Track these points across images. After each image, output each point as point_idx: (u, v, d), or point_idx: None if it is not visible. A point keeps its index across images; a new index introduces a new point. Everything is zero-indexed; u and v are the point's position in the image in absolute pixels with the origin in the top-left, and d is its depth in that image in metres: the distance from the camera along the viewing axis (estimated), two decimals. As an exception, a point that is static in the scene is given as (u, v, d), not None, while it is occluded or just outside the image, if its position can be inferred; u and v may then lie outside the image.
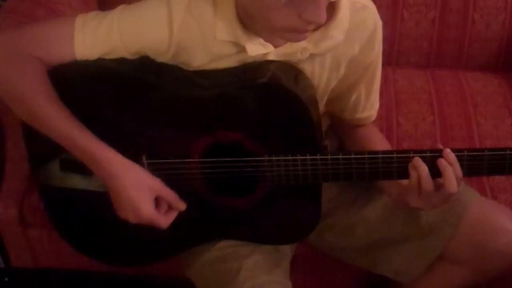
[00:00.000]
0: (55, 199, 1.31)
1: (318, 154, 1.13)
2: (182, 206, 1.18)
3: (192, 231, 1.26)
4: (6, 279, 1.78)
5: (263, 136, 1.14)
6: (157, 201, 1.16)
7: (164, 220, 1.16)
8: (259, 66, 1.16)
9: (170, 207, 1.17)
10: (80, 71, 1.14)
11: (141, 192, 1.12)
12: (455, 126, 1.65)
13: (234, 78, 1.15)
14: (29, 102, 1.11)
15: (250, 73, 1.16)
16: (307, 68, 1.19)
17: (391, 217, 1.31)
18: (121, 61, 1.15)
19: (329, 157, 1.13)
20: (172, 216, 1.17)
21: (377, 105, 1.34)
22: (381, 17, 1.22)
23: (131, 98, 1.16)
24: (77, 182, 1.24)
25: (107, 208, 1.20)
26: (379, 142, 1.32)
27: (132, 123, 1.15)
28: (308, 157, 1.13)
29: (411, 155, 1.11)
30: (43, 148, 1.24)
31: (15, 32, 1.16)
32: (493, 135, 1.61)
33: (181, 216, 1.19)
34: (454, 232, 1.25)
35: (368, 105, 1.31)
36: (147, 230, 1.23)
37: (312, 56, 1.17)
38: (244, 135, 1.14)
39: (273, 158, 1.14)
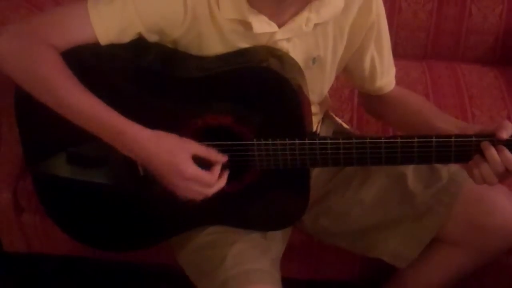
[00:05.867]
0: (53, 190, 1.30)
1: (307, 139, 1.14)
2: (222, 158, 1.15)
3: (181, 215, 1.26)
4: (-2, 264, 1.78)
5: (252, 120, 1.15)
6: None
7: (210, 177, 1.13)
8: (248, 51, 1.16)
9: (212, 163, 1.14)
10: (73, 57, 1.13)
11: (175, 154, 1.11)
12: (451, 117, 1.65)
13: (225, 62, 1.15)
14: (54, 89, 1.10)
15: (241, 57, 1.16)
16: (311, 41, 1.19)
17: (386, 199, 1.32)
18: (116, 45, 1.14)
19: (317, 141, 1.14)
20: (217, 171, 1.14)
21: (393, 70, 1.34)
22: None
23: (123, 81, 1.16)
24: (82, 174, 1.24)
25: (106, 197, 1.22)
26: (415, 102, 1.32)
27: (124, 106, 1.13)
28: (296, 141, 1.14)
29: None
30: (44, 143, 1.24)
31: (28, 22, 1.15)
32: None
33: (170, 200, 1.19)
34: (449, 213, 1.26)
35: (385, 70, 1.31)
36: (142, 214, 1.25)
37: (315, 27, 1.17)
38: (233, 119, 1.14)
39: (262, 142, 1.15)
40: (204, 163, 1.13)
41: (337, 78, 1.69)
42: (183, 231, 1.29)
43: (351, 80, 1.37)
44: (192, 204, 1.18)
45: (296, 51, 1.19)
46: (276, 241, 1.32)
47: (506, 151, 1.08)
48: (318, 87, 1.28)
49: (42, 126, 1.21)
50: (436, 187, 1.27)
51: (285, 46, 1.17)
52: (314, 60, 1.22)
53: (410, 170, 1.30)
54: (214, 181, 1.14)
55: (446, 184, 1.27)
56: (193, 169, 1.11)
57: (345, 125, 1.49)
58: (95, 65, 1.15)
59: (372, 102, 1.39)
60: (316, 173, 1.33)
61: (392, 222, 1.31)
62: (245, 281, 1.17)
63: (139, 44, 1.16)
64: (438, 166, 1.30)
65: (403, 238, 1.31)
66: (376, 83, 1.32)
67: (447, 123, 1.22)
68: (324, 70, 1.25)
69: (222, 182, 1.15)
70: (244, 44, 1.16)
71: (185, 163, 1.11)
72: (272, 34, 1.15)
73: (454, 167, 1.29)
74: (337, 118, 1.49)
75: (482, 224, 1.23)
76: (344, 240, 1.39)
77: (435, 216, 1.27)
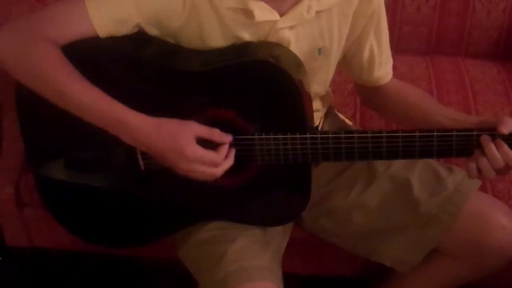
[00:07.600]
0: (54, 188, 1.30)
1: (308, 133, 1.13)
2: (226, 138, 1.14)
3: (183, 210, 1.26)
4: (1, 258, 1.77)
5: (254, 114, 1.15)
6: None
7: (215, 156, 1.12)
8: (249, 45, 1.17)
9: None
10: (74, 51, 1.13)
11: (177, 136, 1.10)
12: (455, 114, 1.64)
13: (227, 56, 1.15)
14: (55, 81, 1.10)
15: (242, 51, 1.16)
16: (316, 30, 1.19)
17: (390, 205, 1.31)
18: (117, 38, 1.14)
19: (318, 136, 1.14)
20: (224, 150, 1.13)
21: (391, 61, 1.33)
22: (382, 3, 1.23)
23: (124, 75, 1.16)
24: (84, 171, 1.24)
25: (108, 194, 1.23)
26: (413, 95, 1.33)
27: (126, 100, 1.13)
28: (297, 135, 1.14)
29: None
30: (45, 140, 1.24)
31: (27, 18, 1.16)
32: (492, 124, 1.61)
33: (172, 196, 1.19)
34: (453, 222, 1.25)
35: (383, 60, 1.31)
36: (143, 210, 1.25)
37: (319, 15, 1.17)
38: (235, 113, 1.14)
39: (263, 136, 1.14)
40: (210, 145, 1.12)
41: (340, 72, 1.70)
42: (184, 227, 1.29)
43: (349, 70, 1.36)
44: (193, 199, 1.17)
45: (299, 40, 1.19)
46: (278, 237, 1.32)
47: (505, 146, 1.08)
48: (323, 77, 1.28)
49: (43, 124, 1.21)
50: (442, 196, 1.26)
51: (287, 34, 1.17)
52: (319, 50, 1.22)
53: (415, 178, 1.30)
54: (220, 160, 1.12)
55: (451, 194, 1.26)
56: (195, 150, 1.10)
57: (347, 121, 1.48)
58: (96, 59, 1.15)
59: (368, 94, 1.39)
60: (317, 172, 1.32)
61: (395, 228, 1.30)
62: (244, 278, 1.17)
63: (140, 38, 1.16)
64: (444, 175, 1.29)
65: (406, 244, 1.30)
66: (374, 73, 1.32)
67: (446, 117, 1.22)
68: (330, 60, 1.25)
69: (230, 161, 1.13)
70: (245, 34, 1.16)
71: (188, 145, 1.10)
72: (274, 22, 1.15)
73: (460, 177, 1.28)
74: (340, 115, 1.48)
75: (479, 241, 1.23)
76: (345, 242, 1.38)
77: (439, 224, 1.26)
